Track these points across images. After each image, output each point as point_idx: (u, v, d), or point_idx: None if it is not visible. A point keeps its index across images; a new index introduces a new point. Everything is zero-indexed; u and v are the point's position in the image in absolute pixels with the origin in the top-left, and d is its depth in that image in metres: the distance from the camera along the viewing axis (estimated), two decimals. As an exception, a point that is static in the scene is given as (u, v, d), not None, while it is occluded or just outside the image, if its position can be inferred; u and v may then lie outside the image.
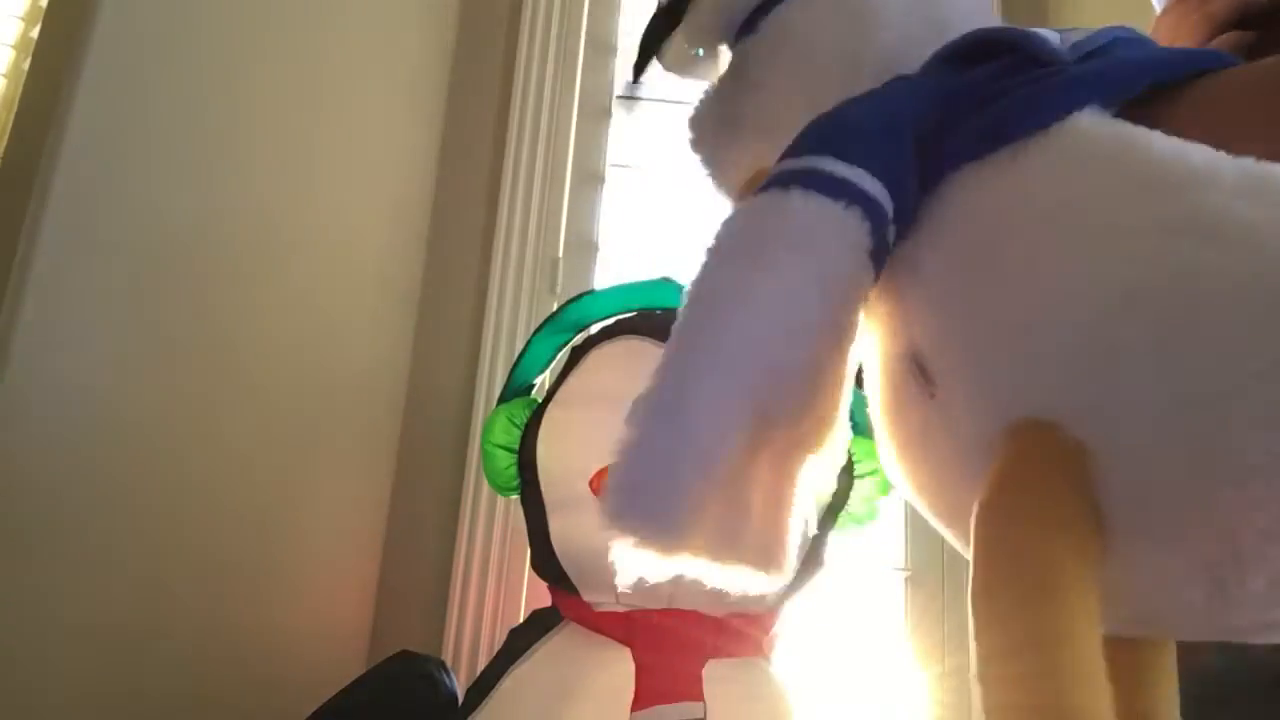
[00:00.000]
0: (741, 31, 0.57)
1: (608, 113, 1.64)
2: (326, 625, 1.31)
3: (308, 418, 1.23)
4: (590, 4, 1.68)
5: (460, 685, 1.23)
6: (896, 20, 0.52)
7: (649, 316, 1.20)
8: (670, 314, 1.19)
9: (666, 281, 1.21)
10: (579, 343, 1.21)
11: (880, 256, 0.40)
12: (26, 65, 0.87)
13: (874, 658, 1.30)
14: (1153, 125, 0.39)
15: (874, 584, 1.37)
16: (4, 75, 0.91)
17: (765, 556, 0.36)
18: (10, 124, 0.85)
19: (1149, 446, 0.32)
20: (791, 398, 0.36)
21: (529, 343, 1.23)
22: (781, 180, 0.39)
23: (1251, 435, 0.30)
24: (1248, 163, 0.35)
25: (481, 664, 1.22)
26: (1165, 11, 0.72)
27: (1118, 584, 0.33)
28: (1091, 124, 0.39)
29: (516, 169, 1.59)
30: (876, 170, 0.39)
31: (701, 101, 0.60)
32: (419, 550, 1.45)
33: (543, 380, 1.26)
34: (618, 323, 1.20)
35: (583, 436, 1.12)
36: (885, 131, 0.41)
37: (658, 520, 0.34)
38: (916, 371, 0.40)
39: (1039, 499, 0.33)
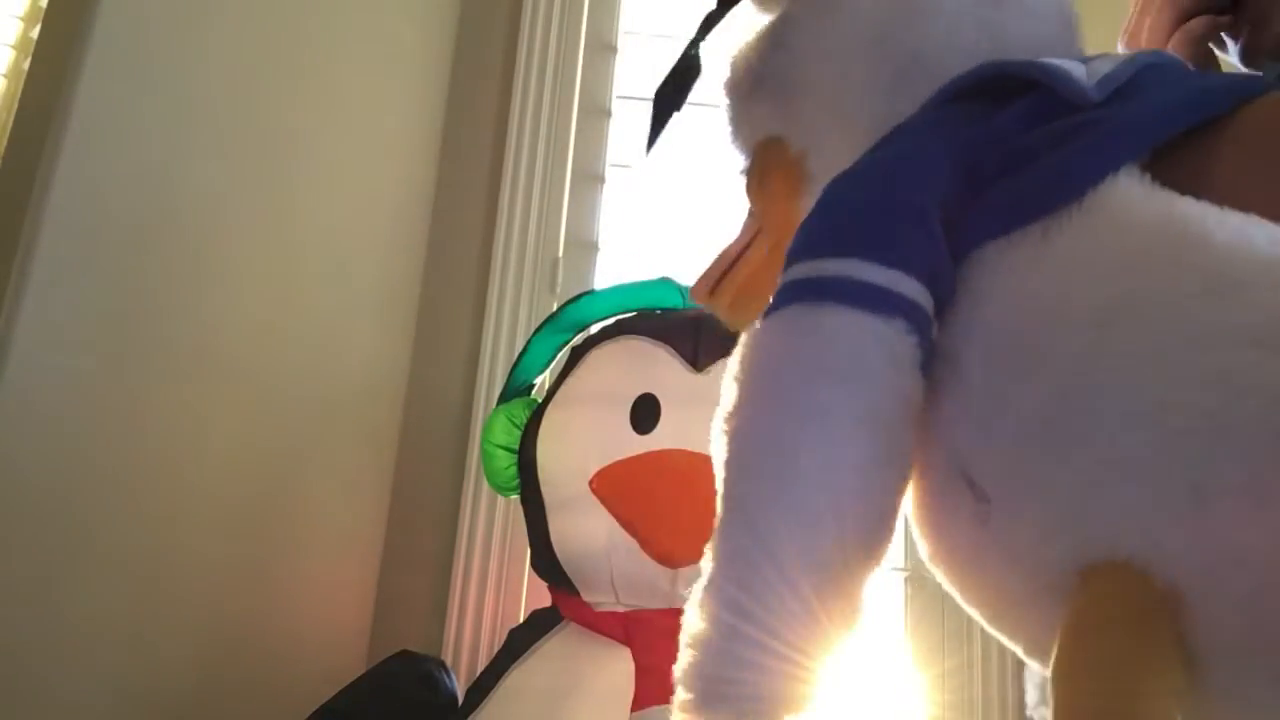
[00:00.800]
0: None
1: (608, 113, 1.64)
2: (326, 625, 1.31)
3: (308, 418, 1.23)
4: (590, 4, 1.68)
5: (460, 685, 1.23)
6: (944, 19, 0.47)
7: (649, 316, 1.20)
8: (670, 314, 1.20)
9: (666, 281, 1.21)
10: (579, 343, 1.21)
11: (928, 362, 0.36)
12: (26, 65, 0.87)
13: (874, 658, 1.30)
14: (1193, 177, 0.35)
15: (874, 584, 1.36)
16: (4, 75, 0.91)
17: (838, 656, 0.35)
18: (10, 124, 0.85)
19: (1254, 596, 0.28)
20: (855, 550, 0.34)
21: (529, 343, 1.23)
22: (811, 292, 0.35)
23: None
24: None
25: (481, 664, 1.22)
26: (1138, 9, 0.69)
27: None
28: (1130, 194, 0.35)
29: (516, 169, 1.59)
30: (912, 268, 0.35)
31: (746, 43, 0.56)
32: (419, 551, 1.44)
33: (543, 380, 1.26)
34: (618, 323, 1.20)
35: (583, 436, 1.12)
36: (912, 216, 0.36)
37: (745, 710, 0.33)
38: (965, 485, 0.35)
39: (1128, 655, 0.29)
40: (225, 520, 1.06)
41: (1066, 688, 0.30)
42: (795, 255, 0.37)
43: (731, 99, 0.55)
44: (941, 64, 0.45)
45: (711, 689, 0.33)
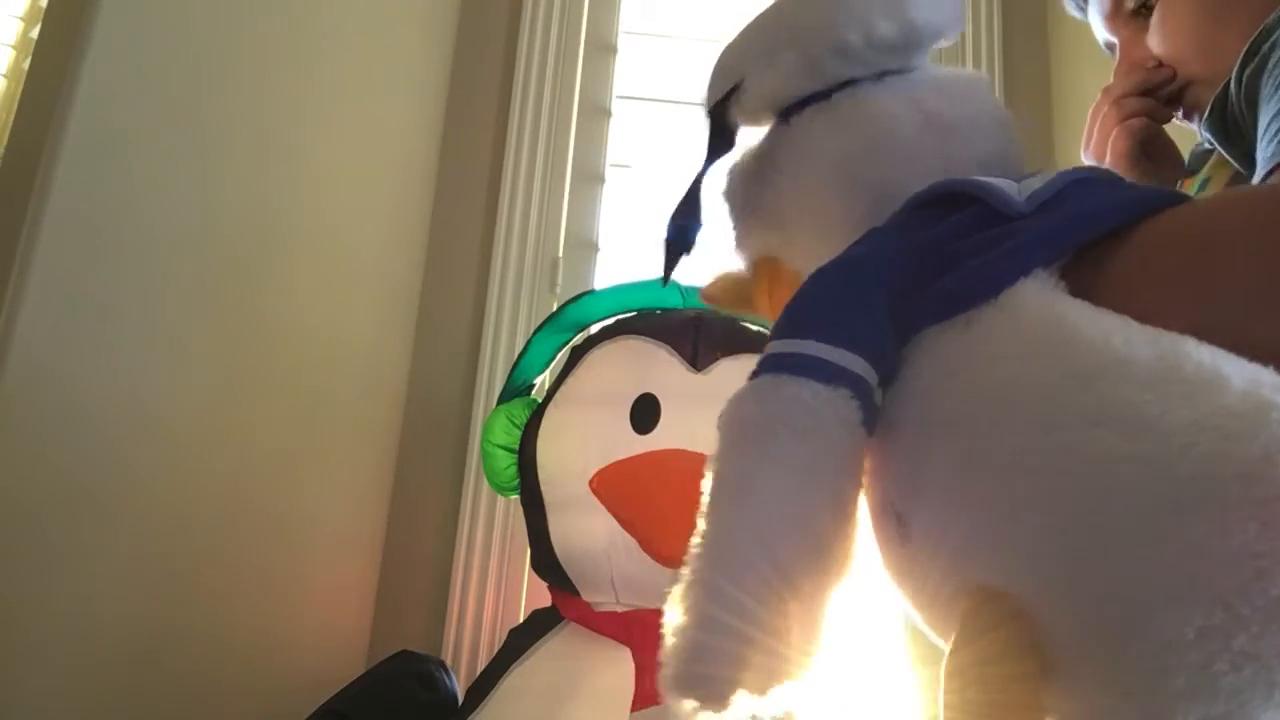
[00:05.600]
0: (781, 117, 0.60)
1: (608, 113, 1.64)
2: (327, 625, 1.31)
3: (308, 418, 1.23)
4: (590, 4, 1.68)
5: (460, 685, 1.23)
6: (903, 152, 0.55)
7: (649, 316, 1.20)
8: (670, 314, 1.20)
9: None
10: (579, 343, 1.21)
11: (871, 421, 0.45)
12: (26, 65, 0.87)
13: (873, 658, 1.30)
14: (1094, 281, 0.44)
15: (873, 584, 1.36)
16: (4, 75, 0.91)
17: (803, 666, 0.42)
18: (10, 124, 0.85)
19: (1089, 618, 0.37)
20: (810, 564, 0.42)
21: (529, 343, 1.23)
22: (776, 366, 0.44)
23: (1166, 612, 0.34)
24: (1165, 345, 0.39)
25: (481, 664, 1.22)
26: (1091, 115, 0.81)
27: (1066, 710, 0.39)
28: (1031, 296, 0.43)
29: (516, 169, 1.59)
30: (857, 348, 0.44)
31: (741, 158, 0.63)
32: (419, 550, 1.45)
33: (543, 380, 1.26)
34: (618, 323, 1.20)
35: (583, 436, 1.12)
36: (861, 307, 0.46)
37: (709, 687, 0.40)
38: (893, 520, 0.45)
39: (997, 657, 0.38)
40: (225, 520, 1.06)
41: (950, 684, 0.39)
42: (772, 335, 0.46)
43: (730, 218, 0.63)
44: (908, 192, 0.53)
45: (679, 673, 0.40)
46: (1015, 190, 0.48)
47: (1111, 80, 0.81)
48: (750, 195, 0.62)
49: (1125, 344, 0.39)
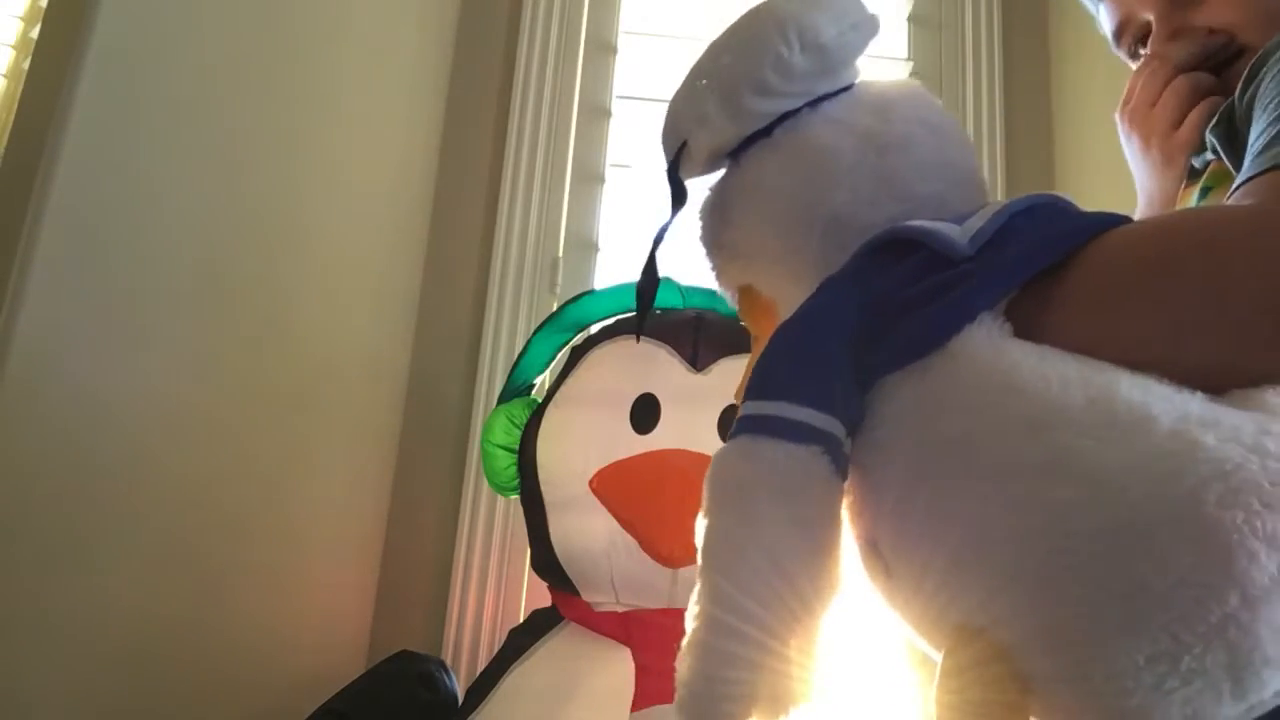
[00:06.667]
0: (731, 157, 0.63)
1: (608, 113, 1.64)
2: (327, 625, 1.31)
3: (308, 417, 1.23)
4: (590, 4, 1.68)
5: (460, 685, 1.23)
6: (844, 179, 0.57)
7: (649, 316, 1.20)
8: (670, 314, 1.20)
9: (666, 281, 1.21)
10: (579, 343, 1.21)
11: (844, 470, 0.48)
12: (26, 65, 0.87)
13: (873, 658, 1.30)
14: (1036, 313, 0.47)
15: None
16: (4, 75, 0.91)
17: (806, 692, 0.46)
18: (10, 124, 0.85)
19: (1054, 654, 0.40)
20: (794, 605, 0.46)
21: (529, 343, 1.23)
22: (753, 427, 0.48)
23: (1118, 643, 0.38)
24: (1098, 386, 0.42)
25: (481, 664, 1.22)
26: (1146, 77, 0.78)
27: None
28: (978, 343, 0.46)
29: (516, 169, 1.59)
30: (824, 406, 0.47)
31: (705, 198, 0.66)
32: (419, 550, 1.45)
33: (543, 380, 1.26)
34: (618, 323, 1.21)
35: (583, 437, 1.12)
36: (824, 365, 0.49)
37: None
38: (876, 554, 0.48)
39: (979, 690, 0.42)
40: (225, 519, 1.06)
41: (943, 716, 0.43)
42: (746, 395, 0.49)
43: (708, 256, 0.66)
44: (856, 218, 0.55)
45: (701, 689, 0.44)
46: (958, 233, 0.50)
47: (1151, 48, 0.78)
48: (715, 233, 0.64)
49: (1063, 389, 0.42)
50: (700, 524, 0.48)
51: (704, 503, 0.48)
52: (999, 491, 0.42)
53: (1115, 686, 0.38)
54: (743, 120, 0.59)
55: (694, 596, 0.47)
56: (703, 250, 0.66)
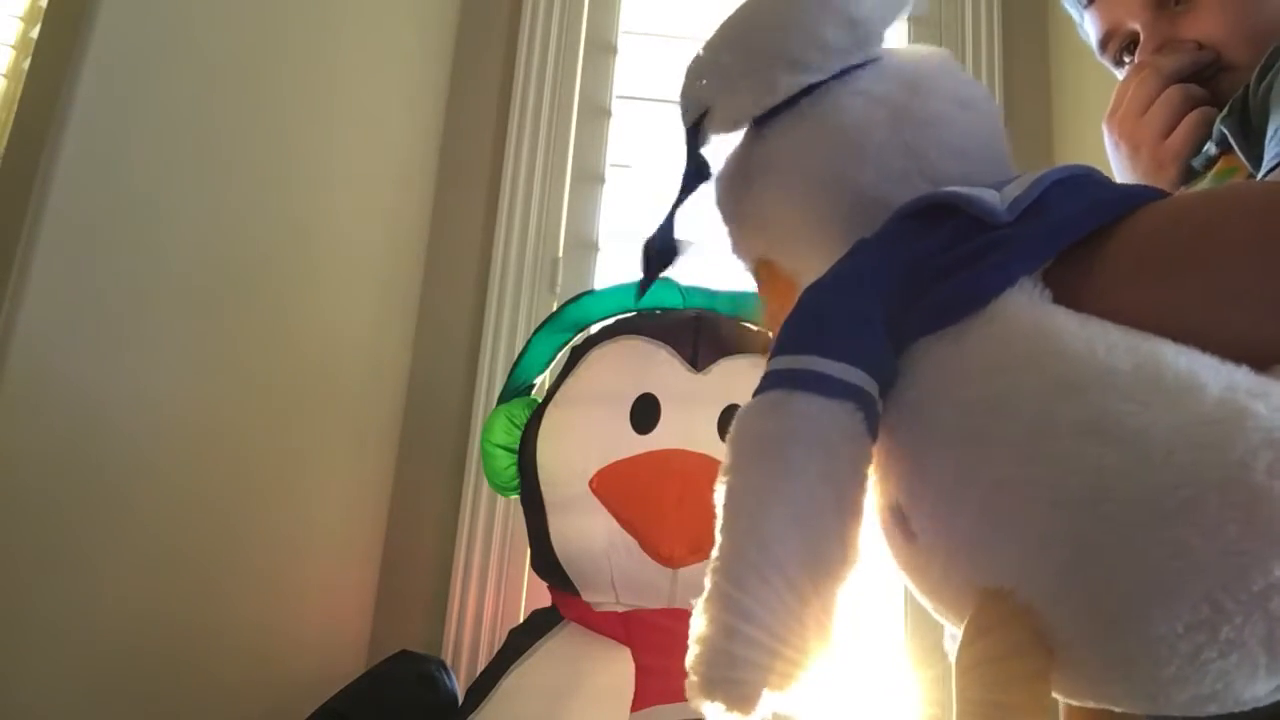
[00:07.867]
0: (754, 124, 0.61)
1: (608, 113, 1.64)
2: (327, 625, 1.31)
3: (308, 417, 1.23)
4: (590, 4, 1.68)
5: (460, 685, 1.23)
6: (873, 154, 0.56)
7: (649, 316, 1.20)
8: (670, 314, 1.20)
9: (666, 281, 1.21)
10: (579, 343, 1.21)
11: (875, 429, 0.47)
12: (26, 65, 0.87)
13: (873, 658, 1.30)
14: (1077, 282, 0.46)
15: (873, 584, 1.36)
16: (4, 75, 0.91)
17: (819, 661, 0.44)
18: (10, 124, 0.85)
19: (1085, 619, 0.40)
20: (821, 569, 0.44)
21: (529, 343, 1.23)
22: (781, 382, 0.46)
23: (1158, 610, 0.37)
24: (1144, 353, 0.41)
25: (481, 664, 1.22)
26: (1134, 86, 0.77)
27: (1072, 687, 0.43)
28: (1018, 306, 0.45)
29: (516, 169, 1.59)
30: (858, 362, 0.46)
31: (724, 166, 0.64)
32: (419, 550, 1.45)
33: (543, 380, 1.26)
34: (618, 323, 1.20)
35: (583, 437, 1.12)
36: (858, 321, 0.47)
37: (735, 690, 0.42)
38: (900, 519, 0.47)
39: (1004, 651, 0.41)
40: (225, 520, 1.06)
41: (963, 680, 0.42)
42: (775, 351, 0.48)
43: (725, 225, 0.64)
44: (881, 191, 0.55)
45: (707, 680, 0.42)
46: (997, 199, 0.49)
47: (1140, 58, 0.78)
48: (734, 202, 0.63)
49: (1108, 354, 0.42)
50: (720, 484, 0.46)
51: (725, 462, 0.46)
52: (1037, 452, 0.41)
53: (1151, 654, 0.37)
54: (773, 92, 0.58)
55: (714, 554, 0.45)
56: (722, 213, 0.64)
